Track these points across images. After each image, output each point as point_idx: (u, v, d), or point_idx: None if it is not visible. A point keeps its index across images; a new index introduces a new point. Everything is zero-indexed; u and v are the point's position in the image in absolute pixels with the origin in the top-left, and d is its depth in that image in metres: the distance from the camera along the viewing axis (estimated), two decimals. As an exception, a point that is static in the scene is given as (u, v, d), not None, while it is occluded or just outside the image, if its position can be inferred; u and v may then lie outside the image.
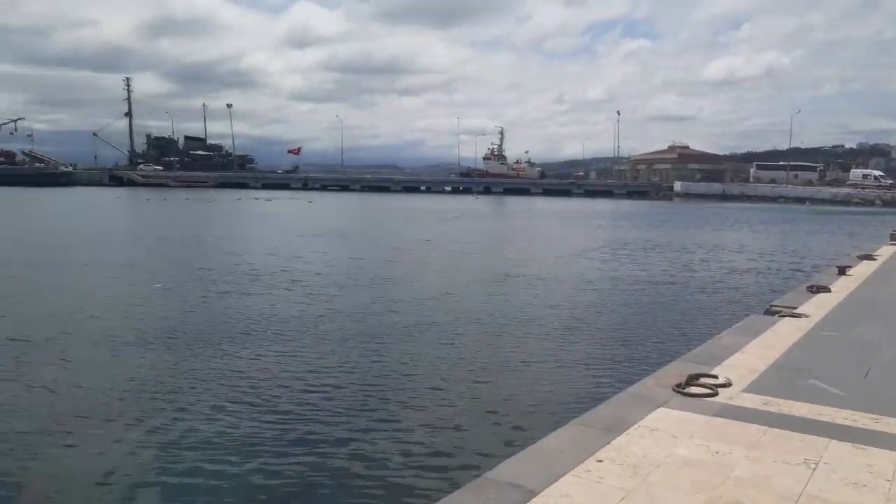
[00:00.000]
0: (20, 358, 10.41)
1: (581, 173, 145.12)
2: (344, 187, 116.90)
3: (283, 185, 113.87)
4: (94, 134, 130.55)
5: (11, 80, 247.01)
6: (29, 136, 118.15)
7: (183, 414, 8.22)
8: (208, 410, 8.35)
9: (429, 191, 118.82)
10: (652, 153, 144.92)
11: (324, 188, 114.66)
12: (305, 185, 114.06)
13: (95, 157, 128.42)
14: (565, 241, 34.04)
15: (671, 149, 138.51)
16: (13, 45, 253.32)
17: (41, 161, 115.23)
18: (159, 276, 19.20)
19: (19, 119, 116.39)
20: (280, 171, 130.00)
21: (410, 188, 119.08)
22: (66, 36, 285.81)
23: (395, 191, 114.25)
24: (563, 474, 4.05)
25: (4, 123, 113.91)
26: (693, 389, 5.70)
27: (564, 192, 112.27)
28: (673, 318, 14.65)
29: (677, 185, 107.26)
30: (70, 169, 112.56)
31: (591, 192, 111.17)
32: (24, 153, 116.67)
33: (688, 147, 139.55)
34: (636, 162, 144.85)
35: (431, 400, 8.92)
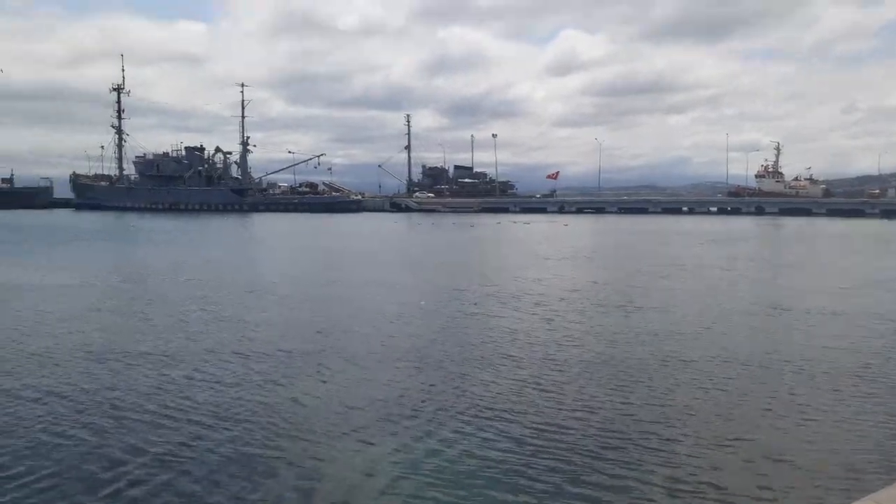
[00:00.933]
0: (283, 368, 11.64)
1: (877, 191, 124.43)
2: (599, 210, 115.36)
3: (540, 209, 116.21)
4: (379, 166, 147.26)
5: (318, 121, 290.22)
6: (329, 169, 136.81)
7: (422, 433, 8.41)
8: (447, 432, 8.44)
9: (691, 212, 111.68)
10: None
11: (579, 211, 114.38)
12: (562, 209, 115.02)
13: (380, 186, 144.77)
14: (855, 269, 29.17)
15: None
16: (321, 91, 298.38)
17: (338, 191, 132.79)
18: (423, 295, 20.49)
19: (321, 155, 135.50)
20: (538, 196, 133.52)
21: (671, 209, 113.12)
22: (362, 80, 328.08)
23: (654, 212, 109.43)
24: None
25: (309, 159, 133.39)
26: None
27: (855, 213, 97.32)
28: None
29: None
30: (359, 197, 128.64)
31: (891, 213, 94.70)
32: (324, 184, 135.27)
33: None
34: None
35: (685, 454, 7.93)
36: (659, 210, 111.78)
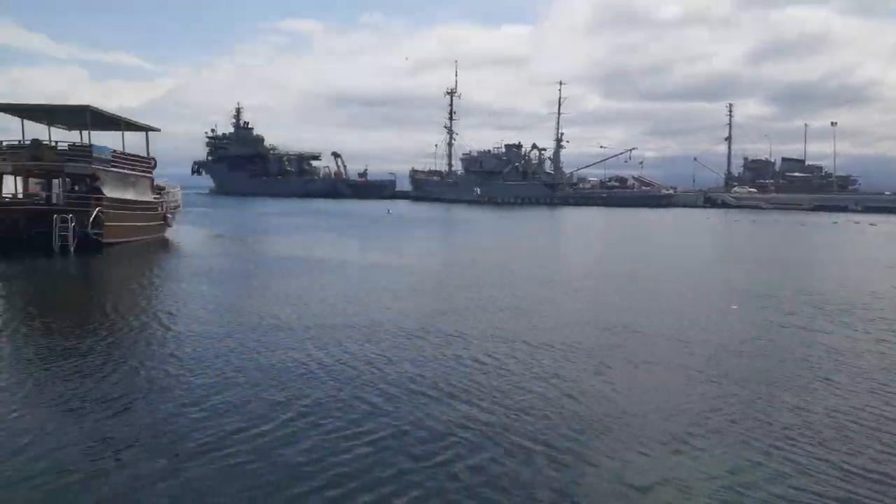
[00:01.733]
0: (566, 362, 11.57)
1: None
2: None
3: (891, 209, 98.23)
4: (695, 159, 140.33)
5: (631, 114, 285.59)
6: (640, 163, 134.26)
7: (707, 454, 7.66)
8: (738, 458, 7.57)
9: None
10: None
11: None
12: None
13: (693, 180, 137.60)
14: None
15: None
16: (635, 84, 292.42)
17: (647, 185, 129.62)
18: (734, 298, 18.86)
19: (633, 149, 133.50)
20: (888, 193, 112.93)
21: None
22: (682, 71, 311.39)
23: None
24: None
25: (620, 153, 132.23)
26: None
27: None
28: None
29: None
30: (670, 192, 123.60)
31: None
32: (633, 178, 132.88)
33: None
34: None
35: None
36: None
